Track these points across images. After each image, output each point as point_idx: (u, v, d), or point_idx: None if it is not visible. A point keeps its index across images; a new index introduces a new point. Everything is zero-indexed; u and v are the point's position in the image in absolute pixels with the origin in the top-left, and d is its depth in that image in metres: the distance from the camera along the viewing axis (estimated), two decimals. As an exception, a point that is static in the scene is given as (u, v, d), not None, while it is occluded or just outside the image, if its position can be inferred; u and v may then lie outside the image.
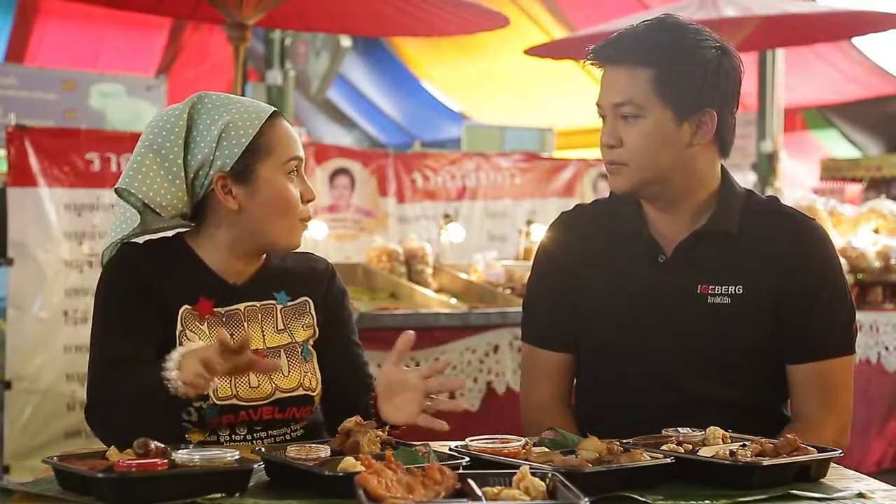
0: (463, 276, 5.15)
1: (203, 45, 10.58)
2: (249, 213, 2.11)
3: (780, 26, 6.83)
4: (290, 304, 2.21)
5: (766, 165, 9.06)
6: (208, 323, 2.11)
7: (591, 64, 2.21)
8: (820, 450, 1.81)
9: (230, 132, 2.09)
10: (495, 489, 1.49)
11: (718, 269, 2.20)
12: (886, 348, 5.48)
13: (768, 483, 1.72)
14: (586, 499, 1.44)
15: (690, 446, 1.82)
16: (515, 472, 1.52)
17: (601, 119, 2.21)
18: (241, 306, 2.16)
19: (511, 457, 1.74)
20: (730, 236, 2.21)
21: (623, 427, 1.97)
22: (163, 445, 1.64)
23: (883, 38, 9.72)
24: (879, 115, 11.20)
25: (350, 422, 1.83)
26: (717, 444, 1.83)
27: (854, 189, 10.04)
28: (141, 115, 8.84)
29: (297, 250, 2.25)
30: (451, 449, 1.80)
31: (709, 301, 2.19)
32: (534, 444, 1.82)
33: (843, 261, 2.37)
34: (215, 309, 2.13)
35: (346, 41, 9.95)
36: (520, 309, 2.48)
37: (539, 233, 5.61)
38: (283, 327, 2.19)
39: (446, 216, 5.94)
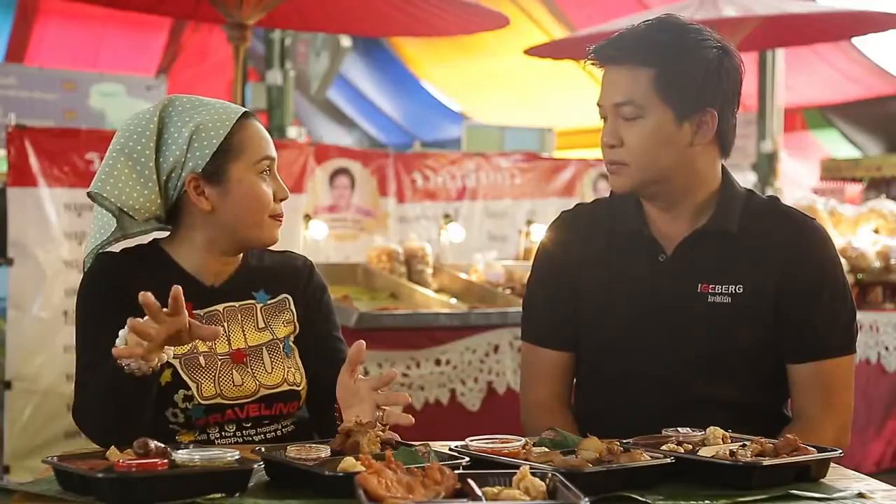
0: (463, 276, 5.15)
1: (203, 45, 10.59)
2: (222, 214, 2.12)
3: (780, 26, 6.83)
4: (269, 302, 2.23)
5: (766, 165, 9.06)
6: None
7: (592, 64, 2.21)
8: (820, 450, 1.81)
9: (201, 133, 2.10)
10: (495, 489, 1.49)
11: (719, 269, 2.20)
12: (886, 348, 5.48)
13: (768, 483, 1.72)
14: (586, 499, 1.44)
15: (690, 446, 1.82)
16: (515, 472, 1.52)
17: (602, 119, 2.21)
18: (219, 307, 2.17)
19: (511, 457, 1.74)
20: (730, 236, 2.21)
21: (623, 427, 1.97)
22: (163, 445, 1.64)
23: (883, 38, 9.71)
24: (879, 115, 11.19)
25: (350, 422, 1.83)
26: (717, 444, 1.83)
27: (854, 189, 10.03)
28: (141, 116, 8.82)
29: (276, 248, 2.26)
30: (451, 449, 1.80)
31: (709, 300, 2.19)
32: (534, 444, 1.82)
33: (843, 261, 2.37)
34: (194, 311, 2.13)
35: (346, 41, 9.95)
36: (520, 309, 2.48)
37: (539, 233, 5.61)
38: (263, 325, 2.20)
39: (446, 216, 5.94)
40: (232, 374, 2.11)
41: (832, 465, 1.84)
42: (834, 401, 2.21)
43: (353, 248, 5.69)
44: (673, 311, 2.21)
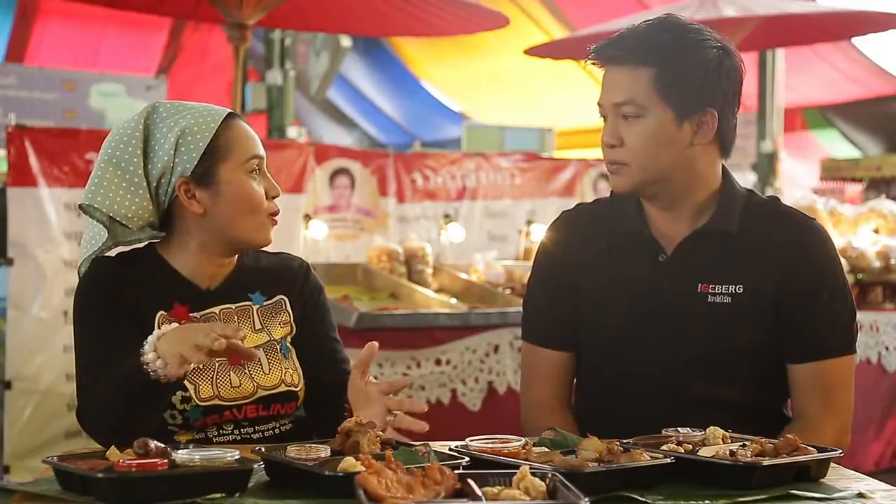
0: (463, 276, 5.15)
1: (203, 45, 10.59)
2: (215, 216, 2.12)
3: (780, 26, 6.83)
4: (266, 303, 2.23)
5: (766, 165, 9.06)
6: None
7: (593, 64, 2.21)
8: (820, 450, 1.81)
9: (187, 137, 2.09)
10: (495, 489, 1.49)
11: (719, 269, 2.20)
12: (886, 348, 5.48)
13: (768, 483, 1.72)
14: (586, 499, 1.44)
15: (690, 446, 1.82)
16: (515, 472, 1.52)
17: (602, 119, 2.21)
18: (216, 309, 2.17)
19: (511, 457, 1.74)
20: (730, 236, 2.21)
21: (623, 427, 1.97)
22: (163, 445, 1.64)
23: (883, 38, 9.71)
24: (879, 115, 11.19)
25: (350, 422, 1.83)
26: (717, 444, 1.83)
27: (854, 189, 10.03)
28: (141, 116, 8.83)
29: (272, 250, 2.26)
30: (451, 449, 1.80)
31: (709, 300, 2.19)
32: (534, 444, 1.82)
33: (843, 261, 2.37)
34: (190, 314, 2.13)
35: (346, 41, 9.95)
36: (520, 309, 2.48)
37: (539, 233, 5.61)
38: (260, 327, 2.20)
39: (446, 216, 5.94)
40: (229, 375, 2.12)
41: (832, 465, 1.84)
42: (834, 401, 2.21)
43: (353, 248, 5.69)
44: (673, 311, 2.21)
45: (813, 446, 1.82)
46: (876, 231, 5.91)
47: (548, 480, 1.52)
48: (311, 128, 12.60)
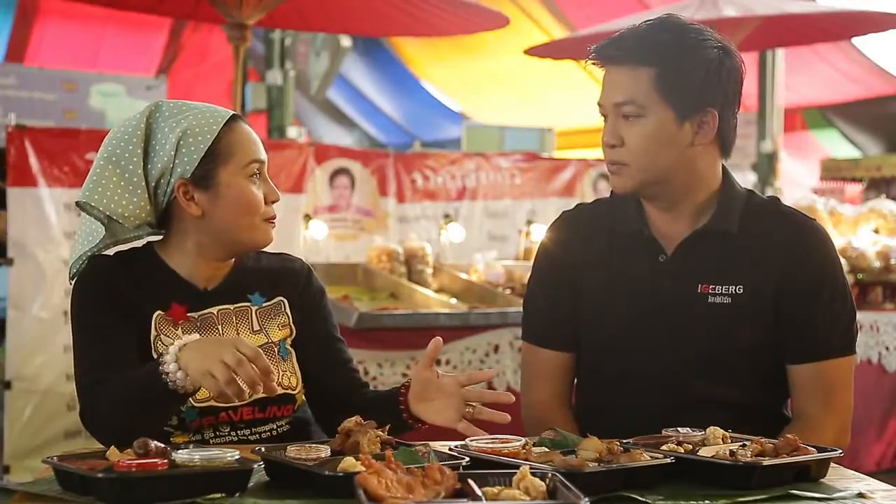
0: (463, 276, 5.15)
1: (203, 45, 10.58)
2: (213, 218, 2.11)
3: (780, 26, 6.83)
4: (265, 304, 2.22)
5: (766, 165, 9.06)
6: (182, 327, 2.11)
7: (593, 64, 2.21)
8: (820, 450, 1.81)
9: (188, 139, 2.08)
10: (495, 489, 1.49)
11: (719, 269, 2.20)
12: (887, 348, 5.47)
13: (768, 483, 1.72)
14: (586, 499, 1.44)
15: (690, 446, 1.82)
16: (515, 472, 1.52)
17: (603, 118, 2.21)
18: (213, 310, 2.16)
19: (511, 457, 1.74)
20: (730, 236, 2.21)
21: (623, 427, 1.97)
22: (163, 445, 1.64)
23: (883, 38, 9.71)
24: (879, 115, 11.19)
25: (350, 422, 1.83)
26: (717, 444, 1.83)
27: (854, 189, 10.03)
28: (141, 116, 8.83)
29: (273, 251, 2.25)
30: (451, 449, 1.80)
31: (709, 301, 2.19)
32: (534, 444, 1.82)
33: (843, 261, 2.37)
34: (188, 314, 2.13)
35: (346, 41, 9.95)
36: (520, 309, 2.48)
37: (539, 233, 5.61)
38: (258, 328, 2.19)
39: (446, 216, 5.94)
40: None
41: (832, 464, 1.84)
42: (834, 401, 2.21)
43: (353, 248, 5.69)
44: (673, 312, 2.21)
45: (813, 446, 1.82)
46: (876, 231, 5.91)
47: (548, 480, 1.52)
48: (311, 128, 12.59)
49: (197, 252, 2.15)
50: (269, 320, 2.21)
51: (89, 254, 2.14)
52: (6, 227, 4.61)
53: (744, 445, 1.79)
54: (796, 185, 10.50)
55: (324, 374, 2.24)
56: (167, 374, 1.85)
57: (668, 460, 1.73)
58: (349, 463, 1.61)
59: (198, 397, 2.06)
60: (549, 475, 1.53)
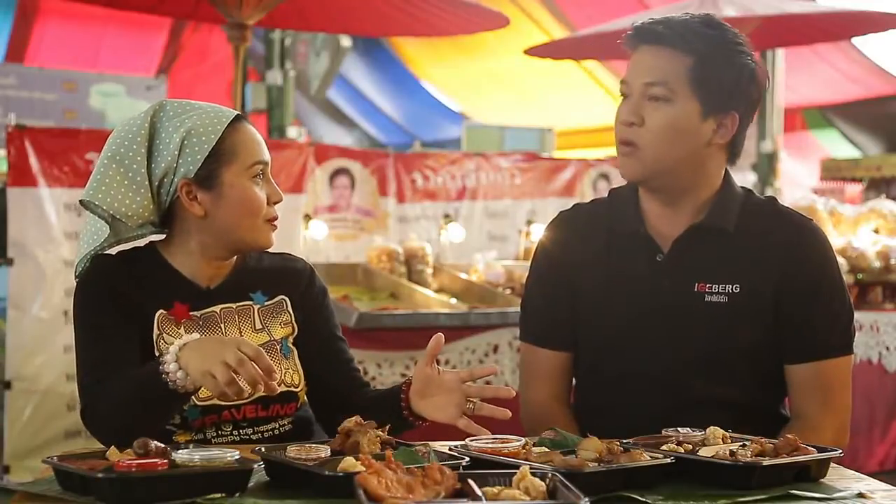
0: (463, 276, 5.15)
1: (203, 45, 10.58)
2: (216, 219, 2.11)
3: (780, 26, 6.83)
4: (267, 303, 2.22)
5: (766, 165, 9.05)
6: (185, 326, 2.12)
7: (626, 45, 2.20)
8: (820, 450, 1.81)
9: (192, 138, 2.08)
10: (495, 489, 1.49)
11: (715, 268, 2.20)
12: (887, 348, 5.47)
13: (768, 483, 1.72)
14: (586, 499, 1.44)
15: (690, 446, 1.82)
16: (515, 472, 1.53)
17: (622, 97, 2.19)
18: (216, 308, 2.17)
19: (511, 457, 1.74)
20: (726, 234, 2.21)
21: (623, 427, 1.97)
22: (163, 445, 1.64)
23: (883, 38, 9.71)
24: (879, 115, 11.19)
25: (350, 422, 1.83)
26: (717, 444, 1.83)
27: (854, 189, 10.02)
28: (141, 116, 8.83)
29: (275, 251, 2.25)
30: (451, 449, 1.80)
31: (706, 300, 2.19)
32: (534, 444, 1.82)
33: (842, 261, 2.37)
34: (191, 313, 2.13)
35: (346, 41, 9.95)
36: (519, 309, 2.48)
37: (539, 233, 5.60)
38: (260, 326, 2.20)
39: (446, 216, 5.94)
40: None
41: (832, 464, 1.84)
42: (833, 401, 2.21)
43: (353, 248, 5.69)
44: (671, 311, 2.21)
45: (813, 446, 1.82)
46: (876, 231, 5.91)
47: (548, 480, 1.52)
48: (311, 128, 12.60)
49: (200, 251, 2.15)
50: (271, 318, 2.21)
51: (93, 253, 2.14)
52: None
53: (744, 445, 1.79)
54: (796, 185, 10.50)
55: (325, 374, 2.24)
56: (167, 373, 1.85)
57: (668, 460, 1.73)
58: (349, 463, 1.61)
59: (200, 396, 2.06)
60: (549, 475, 1.53)
